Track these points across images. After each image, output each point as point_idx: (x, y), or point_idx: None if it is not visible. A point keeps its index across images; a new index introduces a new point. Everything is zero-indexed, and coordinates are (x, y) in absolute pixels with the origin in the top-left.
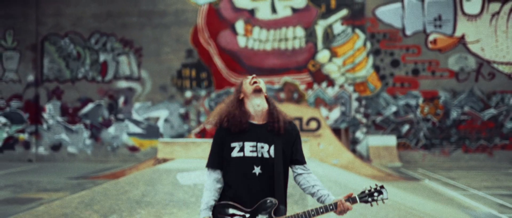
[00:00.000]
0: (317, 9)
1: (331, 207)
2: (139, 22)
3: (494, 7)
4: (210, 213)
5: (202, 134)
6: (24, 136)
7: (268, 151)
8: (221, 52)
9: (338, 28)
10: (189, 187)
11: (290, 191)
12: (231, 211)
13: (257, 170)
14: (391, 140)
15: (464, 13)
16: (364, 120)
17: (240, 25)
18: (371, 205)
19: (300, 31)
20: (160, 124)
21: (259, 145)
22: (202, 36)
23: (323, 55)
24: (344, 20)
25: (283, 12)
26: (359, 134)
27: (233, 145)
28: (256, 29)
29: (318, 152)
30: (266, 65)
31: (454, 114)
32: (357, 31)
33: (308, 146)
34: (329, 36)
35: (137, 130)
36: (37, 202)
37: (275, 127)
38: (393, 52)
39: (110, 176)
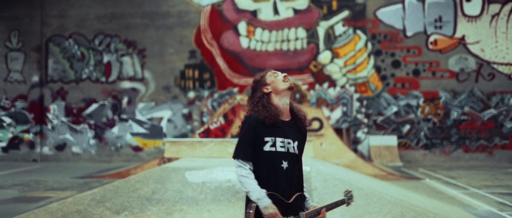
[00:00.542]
0: (319, 11)
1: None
2: (143, 24)
3: (494, 8)
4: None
5: (206, 133)
6: (29, 136)
7: (294, 147)
8: (223, 53)
9: (339, 29)
10: (198, 184)
11: None
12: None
13: (284, 164)
14: (392, 140)
15: (464, 14)
16: (365, 120)
17: (242, 26)
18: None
19: (302, 32)
20: (164, 124)
21: (287, 140)
22: (205, 37)
23: (324, 56)
24: (346, 21)
25: (285, 13)
26: (360, 134)
27: (266, 139)
28: (259, 30)
29: (320, 151)
30: (268, 66)
31: (454, 114)
32: (358, 32)
33: (311, 145)
34: (330, 37)
35: (141, 130)
36: (46, 200)
37: (304, 125)
38: (394, 53)
39: (115, 175)
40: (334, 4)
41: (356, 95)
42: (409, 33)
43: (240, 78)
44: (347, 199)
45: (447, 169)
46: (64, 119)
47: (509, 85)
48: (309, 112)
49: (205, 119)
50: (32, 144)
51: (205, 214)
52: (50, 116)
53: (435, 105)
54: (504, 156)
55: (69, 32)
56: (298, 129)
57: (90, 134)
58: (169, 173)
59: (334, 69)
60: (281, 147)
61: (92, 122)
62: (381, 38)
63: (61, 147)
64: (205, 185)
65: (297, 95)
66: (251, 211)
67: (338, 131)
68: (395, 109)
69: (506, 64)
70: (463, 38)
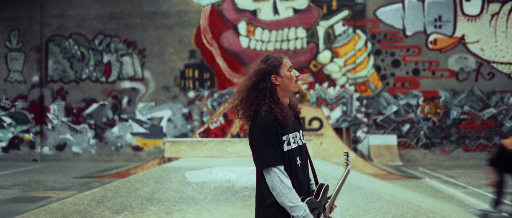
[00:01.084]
0: (319, 10)
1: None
2: (143, 23)
3: (494, 7)
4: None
5: (206, 133)
6: (29, 136)
7: (300, 138)
8: (223, 53)
9: (339, 28)
10: (198, 184)
11: None
12: None
13: (298, 160)
14: (392, 139)
15: (464, 14)
16: (365, 120)
17: (242, 26)
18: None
19: (301, 32)
20: (164, 123)
21: (295, 134)
22: (205, 37)
23: (324, 56)
24: (345, 21)
25: (285, 13)
26: (360, 133)
27: (283, 138)
28: (258, 30)
29: (320, 151)
30: None
31: (454, 113)
32: (358, 31)
33: (311, 145)
34: (330, 37)
35: (141, 129)
36: (46, 200)
37: (298, 111)
38: (394, 53)
39: (116, 175)
40: (334, 4)
41: (356, 95)
42: (409, 33)
43: (240, 78)
44: (348, 164)
45: (447, 168)
46: (64, 119)
47: (508, 85)
48: (309, 111)
49: (205, 119)
50: (32, 144)
51: (205, 214)
52: (50, 115)
53: (435, 104)
54: None
55: (69, 32)
56: (294, 115)
57: (90, 133)
58: (169, 172)
59: (334, 69)
60: (293, 143)
61: (92, 121)
62: (381, 37)
63: (61, 147)
64: (205, 184)
65: (297, 95)
66: None
67: (338, 130)
68: (395, 108)
69: (506, 63)
70: (462, 37)
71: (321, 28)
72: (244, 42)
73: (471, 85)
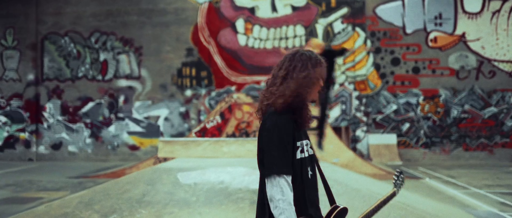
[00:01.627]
0: (317, 8)
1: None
2: (139, 21)
3: (495, 5)
4: None
5: (203, 132)
6: (24, 135)
7: (311, 147)
8: (221, 51)
9: (338, 26)
10: (190, 186)
11: None
12: None
13: (309, 171)
14: (391, 138)
15: (464, 11)
16: (364, 118)
17: (240, 24)
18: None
19: (300, 30)
20: (161, 122)
21: (307, 142)
22: (202, 34)
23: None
24: (344, 18)
25: (283, 10)
26: (359, 133)
27: (298, 144)
28: (256, 28)
29: (318, 150)
30: (266, 63)
31: (454, 112)
32: (358, 29)
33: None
34: (329, 35)
35: (138, 128)
36: (37, 201)
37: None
38: (394, 51)
39: (111, 175)
40: (333, 1)
41: (355, 93)
42: (408, 31)
43: (237, 76)
44: (398, 186)
45: (447, 168)
46: (60, 118)
47: (510, 83)
48: None
49: (202, 118)
50: (27, 143)
51: (197, 217)
52: (46, 114)
53: (435, 103)
54: (504, 155)
55: (64, 30)
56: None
57: (86, 132)
58: (160, 174)
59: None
60: (307, 151)
61: (88, 120)
62: (381, 35)
63: (57, 146)
64: (197, 186)
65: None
66: None
67: (336, 129)
68: (394, 107)
69: (507, 61)
70: (463, 35)
71: (320, 26)
72: (242, 40)
73: (472, 84)
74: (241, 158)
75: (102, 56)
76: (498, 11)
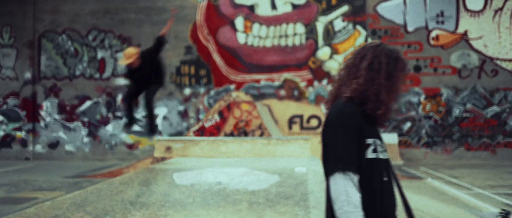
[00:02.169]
0: (318, 5)
1: None
2: (138, 19)
3: (497, 3)
4: None
5: (201, 131)
6: (21, 134)
7: (386, 151)
8: (220, 49)
9: (339, 24)
10: (186, 187)
11: (290, 191)
12: None
13: (385, 178)
14: (392, 138)
15: (466, 9)
16: None
17: (239, 22)
18: None
19: (300, 28)
20: (159, 121)
21: (380, 142)
22: (201, 32)
23: (323, 52)
24: (345, 16)
25: (283, 8)
26: None
27: (369, 141)
28: (256, 26)
29: (319, 150)
30: (266, 62)
31: (456, 111)
32: (358, 27)
33: (309, 144)
34: (329, 33)
35: (135, 127)
36: (31, 201)
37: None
38: None
39: (108, 174)
40: None
41: None
42: (410, 29)
43: (237, 74)
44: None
45: (449, 168)
46: (57, 117)
47: None
48: (308, 109)
49: (201, 116)
50: (24, 142)
51: None
52: (43, 113)
53: (436, 102)
54: (507, 154)
55: (62, 27)
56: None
57: (84, 131)
58: (156, 174)
59: (333, 66)
60: (381, 152)
61: (85, 119)
62: (382, 33)
63: (54, 145)
64: (194, 187)
65: (296, 93)
66: None
67: None
68: (395, 106)
69: (510, 60)
70: (465, 33)
71: (320, 24)
72: (241, 38)
73: (474, 83)
74: (240, 157)
75: (99, 54)
76: (501, 9)
